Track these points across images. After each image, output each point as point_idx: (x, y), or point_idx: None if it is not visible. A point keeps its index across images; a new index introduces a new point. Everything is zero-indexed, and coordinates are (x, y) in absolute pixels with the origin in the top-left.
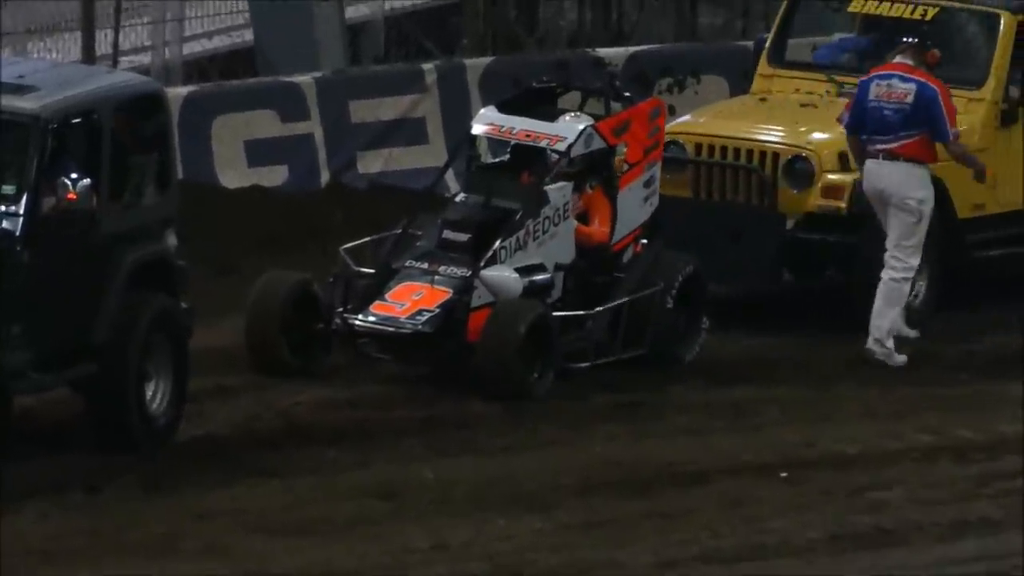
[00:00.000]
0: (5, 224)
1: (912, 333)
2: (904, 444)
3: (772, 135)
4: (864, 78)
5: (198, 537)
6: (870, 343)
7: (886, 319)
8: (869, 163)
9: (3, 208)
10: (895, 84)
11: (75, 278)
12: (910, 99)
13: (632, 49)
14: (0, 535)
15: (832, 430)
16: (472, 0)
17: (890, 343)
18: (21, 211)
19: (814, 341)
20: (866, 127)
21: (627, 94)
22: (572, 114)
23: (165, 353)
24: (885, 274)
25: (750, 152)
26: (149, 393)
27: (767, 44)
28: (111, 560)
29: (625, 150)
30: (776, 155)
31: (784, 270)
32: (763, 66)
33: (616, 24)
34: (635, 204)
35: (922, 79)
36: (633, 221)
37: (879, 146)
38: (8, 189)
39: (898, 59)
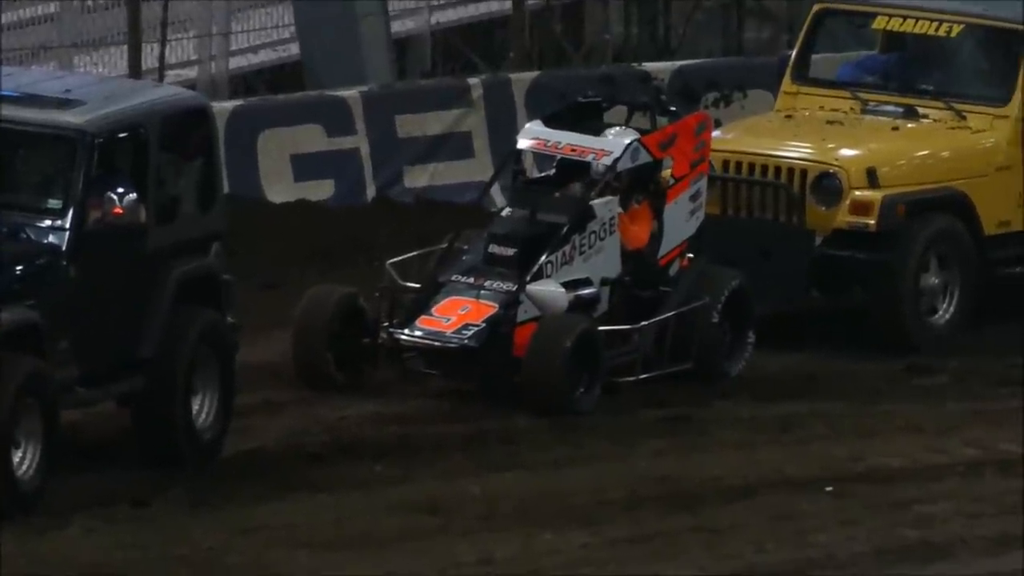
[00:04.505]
0: (51, 239)
1: None
2: (949, 458)
3: (800, 152)
4: None
5: (244, 552)
6: None
7: None
8: None
9: (49, 223)
10: None
11: (121, 293)
12: None
13: (678, 63)
14: (47, 550)
15: (878, 445)
16: (518, 14)
17: None
18: (67, 226)
19: (856, 356)
20: None
21: (673, 108)
22: (618, 128)
23: (212, 368)
24: None
25: (778, 169)
26: (196, 408)
27: (790, 62)
28: (158, 575)
29: (671, 164)
30: (804, 172)
31: (812, 287)
32: (787, 83)
33: (662, 38)
34: (681, 218)
35: None
36: (679, 235)
37: None
38: (54, 204)
39: None
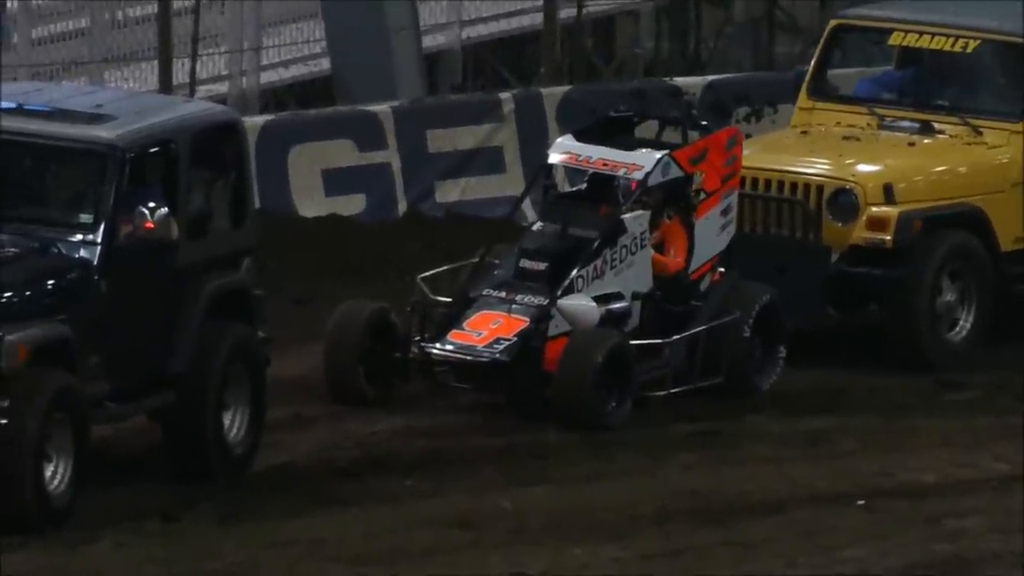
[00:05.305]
0: (83, 253)
1: None
2: (981, 473)
3: (816, 168)
4: None
5: (275, 566)
6: None
7: None
8: None
9: (80, 237)
10: None
11: (153, 308)
12: None
13: (709, 78)
14: (78, 564)
15: (909, 459)
16: (549, 29)
17: None
18: (98, 240)
19: (885, 371)
20: None
21: (704, 123)
22: (649, 144)
23: (243, 383)
24: None
25: (794, 185)
26: (227, 423)
27: (806, 77)
28: None
29: (702, 179)
30: (820, 188)
31: (827, 304)
32: (803, 99)
33: (693, 53)
34: (712, 233)
35: None
36: (710, 250)
37: None
38: (86, 218)
39: None
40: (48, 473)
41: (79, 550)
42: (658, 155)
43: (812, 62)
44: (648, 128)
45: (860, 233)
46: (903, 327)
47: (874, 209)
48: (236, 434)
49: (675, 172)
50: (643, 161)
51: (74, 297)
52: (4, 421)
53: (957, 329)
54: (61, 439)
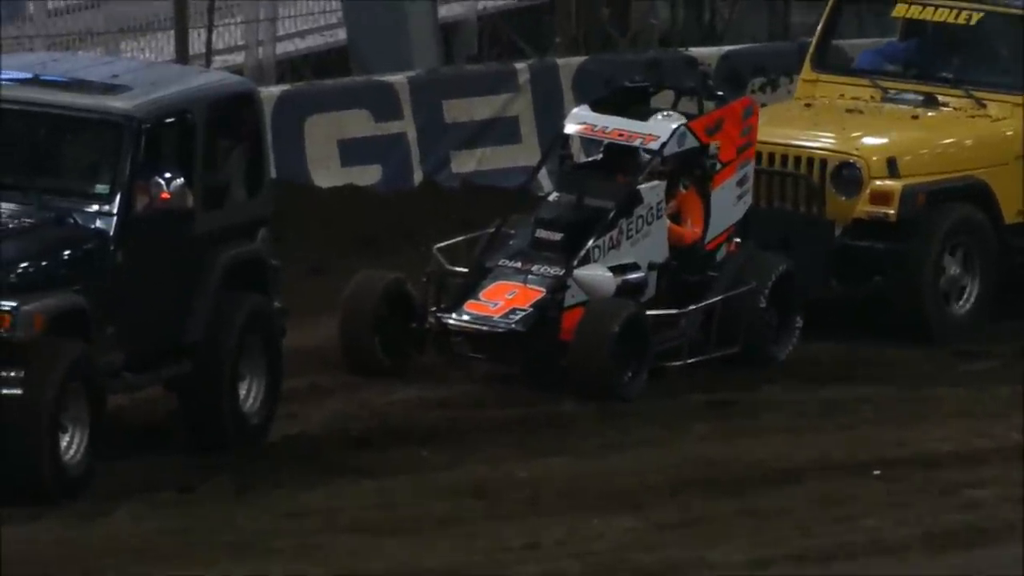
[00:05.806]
0: (99, 224)
1: None
2: (996, 443)
3: (820, 141)
4: None
5: (291, 537)
6: None
7: None
8: None
9: (97, 208)
10: None
11: (169, 278)
12: None
13: (725, 48)
14: (94, 535)
15: (925, 429)
16: (565, 0)
17: None
18: (114, 211)
19: (900, 342)
20: None
21: (720, 93)
22: (665, 113)
23: (258, 353)
24: None
25: (798, 159)
26: (242, 393)
27: (810, 49)
28: (203, 560)
29: (718, 149)
30: (824, 161)
31: (831, 277)
32: (807, 71)
33: (709, 23)
34: (728, 203)
35: None
36: (726, 220)
37: None
38: (101, 189)
39: None
40: (64, 443)
41: (94, 521)
42: (674, 125)
43: (816, 34)
44: (664, 98)
45: (864, 207)
46: (907, 300)
47: (878, 183)
48: (252, 404)
49: (691, 142)
50: (659, 131)
51: (90, 267)
52: (20, 391)
53: (961, 302)
54: (77, 409)
